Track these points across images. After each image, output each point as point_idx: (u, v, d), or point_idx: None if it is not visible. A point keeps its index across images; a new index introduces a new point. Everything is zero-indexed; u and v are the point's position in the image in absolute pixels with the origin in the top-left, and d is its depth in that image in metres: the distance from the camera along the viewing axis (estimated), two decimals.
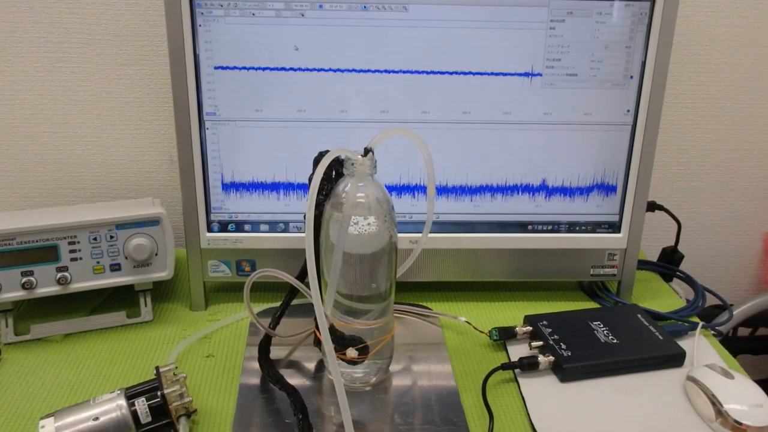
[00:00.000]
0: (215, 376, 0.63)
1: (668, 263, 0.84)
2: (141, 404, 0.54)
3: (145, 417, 0.54)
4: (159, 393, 0.55)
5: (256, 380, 0.62)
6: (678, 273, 0.83)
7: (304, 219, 0.50)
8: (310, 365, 0.64)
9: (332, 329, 0.57)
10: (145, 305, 0.72)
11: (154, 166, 0.89)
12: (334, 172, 0.58)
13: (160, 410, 0.54)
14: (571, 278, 0.76)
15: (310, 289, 0.50)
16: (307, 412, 0.56)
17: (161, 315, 0.73)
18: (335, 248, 0.56)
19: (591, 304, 0.76)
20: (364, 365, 0.59)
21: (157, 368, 0.57)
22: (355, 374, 0.61)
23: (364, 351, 0.58)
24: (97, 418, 0.53)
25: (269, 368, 0.62)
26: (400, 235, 0.70)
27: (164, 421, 0.55)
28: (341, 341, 0.57)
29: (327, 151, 0.53)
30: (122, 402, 0.54)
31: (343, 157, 0.56)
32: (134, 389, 0.55)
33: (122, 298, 0.74)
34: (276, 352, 0.65)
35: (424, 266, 0.74)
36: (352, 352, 0.57)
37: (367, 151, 0.55)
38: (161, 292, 0.77)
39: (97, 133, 0.87)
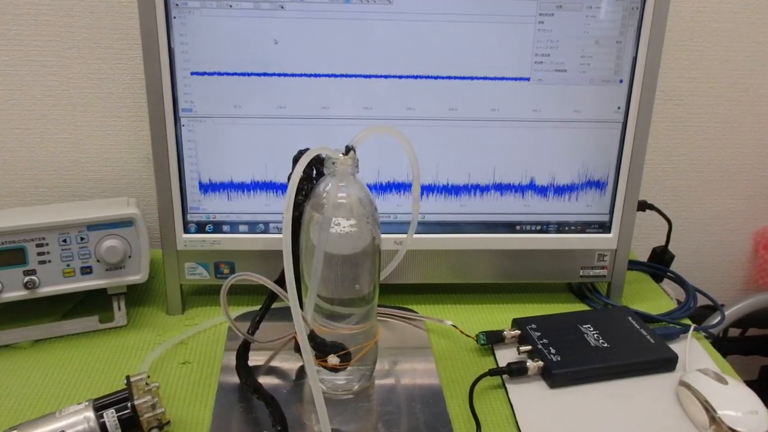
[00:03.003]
0: (191, 385, 0.61)
1: (658, 263, 0.82)
2: (110, 416, 0.52)
3: (114, 430, 0.51)
4: (129, 404, 0.52)
5: (234, 388, 0.59)
6: (669, 273, 0.82)
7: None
8: (291, 372, 0.62)
9: (312, 335, 0.55)
10: (119, 310, 0.69)
11: (131, 164, 0.86)
12: (314, 172, 0.56)
13: (131, 422, 0.52)
14: (561, 280, 0.74)
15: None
16: (286, 423, 0.54)
17: (136, 320, 0.70)
18: (316, 251, 0.53)
19: (581, 306, 0.75)
20: (346, 372, 0.57)
21: (127, 377, 0.55)
22: (337, 381, 0.59)
23: (346, 358, 0.55)
24: None
25: (247, 376, 0.60)
26: (384, 235, 0.68)
27: None
28: (322, 348, 0.55)
29: (307, 150, 0.51)
30: (90, 414, 0.51)
31: (323, 155, 0.54)
32: (103, 400, 0.53)
33: (94, 303, 0.71)
34: (255, 358, 0.63)
35: (409, 268, 0.72)
36: (333, 359, 0.55)
37: (348, 150, 0.53)
38: (136, 296, 0.74)
39: (70, 130, 0.83)
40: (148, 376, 0.55)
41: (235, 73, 0.63)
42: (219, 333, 0.68)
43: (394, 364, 0.63)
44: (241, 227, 0.70)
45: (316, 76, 0.64)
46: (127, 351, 0.65)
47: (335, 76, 0.65)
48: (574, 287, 0.78)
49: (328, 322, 0.56)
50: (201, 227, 0.69)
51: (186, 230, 0.69)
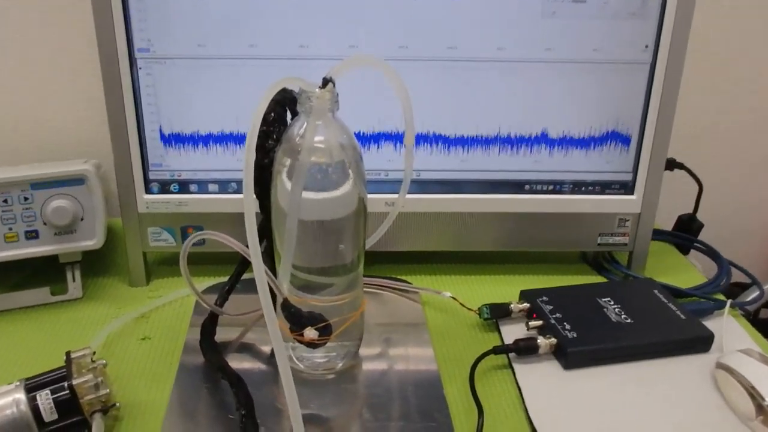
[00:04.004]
0: (150, 363, 0.54)
1: (685, 232, 0.75)
2: (44, 398, 0.44)
3: (49, 414, 0.44)
4: (66, 384, 0.45)
5: (198, 367, 0.52)
6: (697, 244, 0.74)
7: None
8: (266, 349, 0.55)
9: (286, 304, 0.48)
10: (73, 280, 0.62)
11: (96, 124, 0.77)
12: (288, 114, 0.48)
13: (69, 405, 0.45)
14: (575, 248, 0.68)
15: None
16: (252, 406, 0.46)
17: (94, 291, 0.64)
18: (289, 208, 0.45)
19: (597, 279, 0.68)
20: (327, 348, 0.50)
21: (67, 353, 0.48)
22: (316, 359, 0.52)
23: (326, 331, 0.48)
24: None
25: (212, 352, 0.52)
26: (373, 196, 0.61)
27: (75, 419, 0.45)
28: (297, 319, 0.48)
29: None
30: (21, 396, 0.44)
31: (297, 91, 0.46)
32: (37, 380, 0.46)
33: (48, 273, 0.63)
34: (225, 334, 0.56)
35: (401, 233, 0.64)
36: (310, 333, 0.48)
37: (326, 82, 0.45)
38: (95, 265, 0.67)
39: (26, 88, 0.75)
40: (94, 353, 0.48)
41: None
42: (185, 306, 0.61)
43: (383, 341, 0.56)
44: (211, 186, 0.62)
45: (291, 3, 0.56)
46: (82, 326, 0.58)
47: (314, 3, 0.56)
48: (590, 257, 0.71)
49: (302, 294, 0.49)
50: (164, 187, 0.62)
51: (147, 190, 0.62)
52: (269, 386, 0.51)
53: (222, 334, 0.55)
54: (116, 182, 0.61)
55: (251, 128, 0.40)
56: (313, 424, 0.47)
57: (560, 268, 0.69)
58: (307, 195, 0.45)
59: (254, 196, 0.39)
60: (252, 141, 0.40)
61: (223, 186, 0.62)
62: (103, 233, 0.60)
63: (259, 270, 0.39)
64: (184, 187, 0.62)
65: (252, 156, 0.40)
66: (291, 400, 0.39)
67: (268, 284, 0.48)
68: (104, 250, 0.68)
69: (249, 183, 0.40)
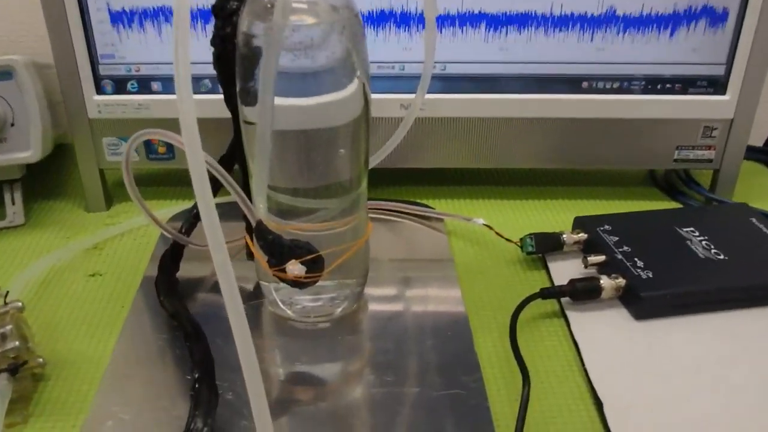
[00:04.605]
0: (97, 306, 0.44)
1: None
2: None
3: None
4: None
5: (155, 312, 0.42)
6: None
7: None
8: (247, 287, 0.45)
9: (262, 230, 0.37)
10: (12, 203, 0.52)
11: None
12: None
13: None
14: (645, 165, 0.57)
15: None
16: (212, 367, 0.36)
17: (42, 217, 0.54)
18: (261, 89, 0.33)
19: (670, 205, 0.57)
20: (320, 289, 0.40)
21: None
22: (306, 303, 0.41)
23: (315, 266, 0.37)
24: None
25: (168, 294, 0.42)
26: (382, 96, 0.51)
27: None
28: (277, 250, 0.37)
29: None
30: None
31: None
32: None
33: None
34: (193, 270, 0.45)
35: (421, 145, 0.55)
36: (295, 268, 0.37)
37: None
38: (46, 188, 0.57)
39: None
40: (7, 292, 0.38)
41: None
42: (149, 236, 0.51)
43: (397, 281, 0.47)
44: None
45: None
46: (20, 258, 0.49)
47: None
48: (660, 178, 0.60)
49: (285, 221, 0.38)
50: (120, 85, 0.51)
51: (99, 90, 0.51)
52: None
53: (189, 271, 0.45)
54: (59, 80, 0.49)
55: None
56: (298, 387, 0.37)
57: (623, 192, 0.59)
58: (283, 100, 0.33)
59: (189, 67, 0.26)
60: None
61: (195, 83, 0.51)
62: (41, 143, 0.49)
63: (196, 162, 0.26)
64: (144, 84, 0.51)
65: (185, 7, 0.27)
66: (245, 360, 0.27)
67: (240, 205, 0.37)
68: (57, 170, 0.58)
69: (184, 54, 0.26)
